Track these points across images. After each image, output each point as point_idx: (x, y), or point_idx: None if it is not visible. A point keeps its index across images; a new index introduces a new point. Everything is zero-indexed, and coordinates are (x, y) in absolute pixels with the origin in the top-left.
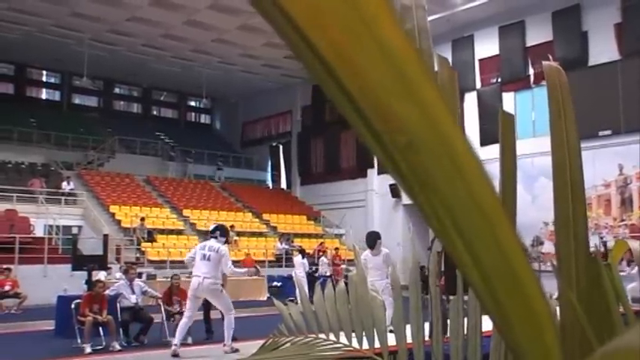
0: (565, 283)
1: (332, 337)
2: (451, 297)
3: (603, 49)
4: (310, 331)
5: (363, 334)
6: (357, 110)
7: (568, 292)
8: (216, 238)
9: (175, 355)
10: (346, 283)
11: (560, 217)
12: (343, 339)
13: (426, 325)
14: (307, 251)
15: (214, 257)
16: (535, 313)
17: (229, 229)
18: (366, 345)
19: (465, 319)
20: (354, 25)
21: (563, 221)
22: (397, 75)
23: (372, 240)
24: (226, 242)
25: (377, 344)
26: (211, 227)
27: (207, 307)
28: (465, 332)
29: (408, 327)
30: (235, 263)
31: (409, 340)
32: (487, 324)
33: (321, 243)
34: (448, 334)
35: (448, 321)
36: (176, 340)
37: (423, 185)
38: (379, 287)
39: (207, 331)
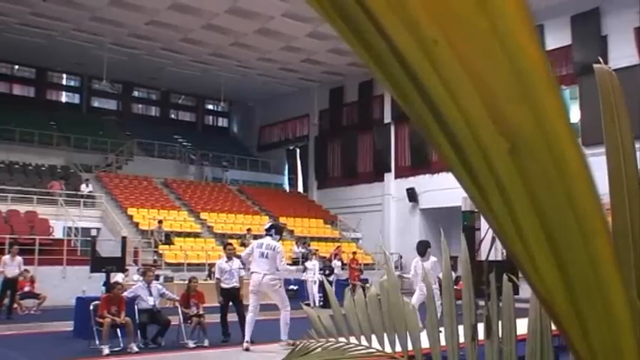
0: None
1: (364, 341)
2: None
3: (623, 53)
4: (340, 335)
5: (396, 338)
6: (434, 107)
7: (636, 300)
8: (271, 235)
9: (247, 349)
10: (363, 287)
11: (618, 224)
12: (375, 343)
13: (460, 329)
14: (322, 255)
15: (272, 255)
16: (616, 321)
17: (282, 227)
18: (398, 349)
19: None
20: (482, 29)
21: (622, 228)
22: (519, 80)
23: (423, 248)
24: (280, 239)
25: (410, 348)
26: (266, 225)
27: (224, 309)
28: (500, 336)
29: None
30: None
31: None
32: (521, 328)
33: (338, 247)
34: (480, 338)
35: (479, 325)
36: (247, 337)
37: (509, 191)
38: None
39: (223, 333)
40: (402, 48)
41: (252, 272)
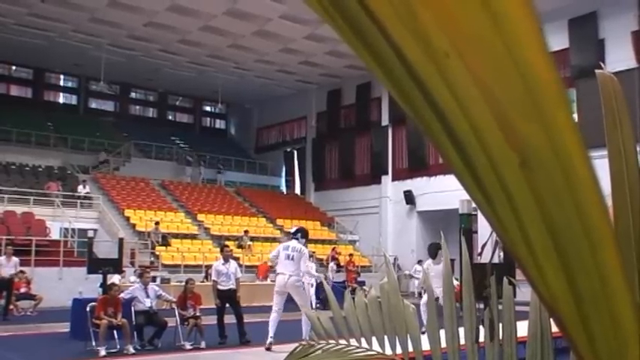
0: None
1: (364, 343)
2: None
3: (620, 57)
4: (341, 337)
5: (397, 340)
6: (441, 116)
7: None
8: (297, 239)
9: (268, 349)
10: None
11: (621, 228)
12: (375, 345)
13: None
14: (319, 257)
15: (297, 257)
16: (622, 329)
17: (307, 231)
18: (399, 351)
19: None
20: (494, 44)
21: (624, 232)
22: (532, 97)
23: (434, 250)
24: (306, 242)
25: (410, 350)
26: (293, 229)
27: (221, 311)
28: (500, 338)
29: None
30: (249, 268)
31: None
32: (520, 331)
33: (332, 248)
34: (481, 340)
35: (481, 327)
36: (270, 334)
37: (517, 199)
38: (440, 294)
39: (220, 335)
40: (410, 57)
41: (278, 273)
